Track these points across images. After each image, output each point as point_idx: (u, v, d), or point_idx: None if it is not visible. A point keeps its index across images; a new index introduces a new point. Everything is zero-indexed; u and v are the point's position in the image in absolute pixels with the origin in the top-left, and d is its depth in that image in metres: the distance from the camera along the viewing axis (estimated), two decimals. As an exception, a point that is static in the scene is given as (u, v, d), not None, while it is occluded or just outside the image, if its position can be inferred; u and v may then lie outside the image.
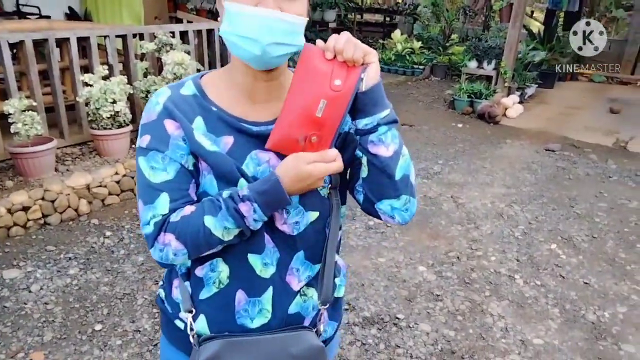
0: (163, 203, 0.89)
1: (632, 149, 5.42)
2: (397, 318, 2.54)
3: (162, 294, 1.08)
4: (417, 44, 9.48)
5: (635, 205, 4.02)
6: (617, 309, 2.70)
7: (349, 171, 0.99)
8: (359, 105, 0.86)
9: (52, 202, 3.26)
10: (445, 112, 6.71)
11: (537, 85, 7.83)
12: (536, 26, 10.82)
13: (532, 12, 12.40)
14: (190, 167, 0.90)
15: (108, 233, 3.23)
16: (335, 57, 0.83)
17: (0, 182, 3.34)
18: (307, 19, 0.86)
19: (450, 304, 2.68)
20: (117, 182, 3.62)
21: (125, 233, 3.24)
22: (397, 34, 9.93)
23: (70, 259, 2.92)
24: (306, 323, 1.02)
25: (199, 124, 0.90)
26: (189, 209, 0.88)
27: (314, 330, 1.01)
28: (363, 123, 0.87)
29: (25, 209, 3.14)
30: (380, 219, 0.97)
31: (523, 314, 2.63)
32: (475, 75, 7.40)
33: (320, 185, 0.88)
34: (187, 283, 1.00)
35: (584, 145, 5.52)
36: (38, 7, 5.73)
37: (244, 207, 0.84)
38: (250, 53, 0.83)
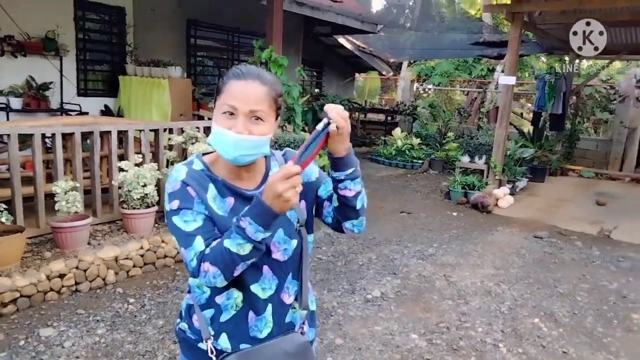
0: (199, 243, 1.21)
1: (615, 237, 5.81)
2: (390, 378, 2.81)
3: (185, 326, 1.38)
4: (416, 141, 10.27)
5: (615, 286, 4.34)
6: (592, 376, 2.96)
7: (313, 209, 1.40)
8: (335, 164, 1.26)
9: (85, 271, 3.66)
10: (441, 202, 7.22)
11: (528, 179, 8.39)
12: (527, 125, 11.70)
13: (522, 113, 13.40)
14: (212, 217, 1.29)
15: (131, 300, 3.59)
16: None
17: (40, 253, 3.79)
18: (272, 134, 1.26)
19: (438, 366, 2.96)
20: (142, 256, 4.04)
21: (147, 300, 3.60)
22: (397, 132, 10.77)
23: (98, 321, 3.27)
24: (296, 329, 1.39)
25: (211, 189, 1.26)
26: (215, 242, 1.20)
27: (300, 332, 1.39)
28: (336, 175, 1.27)
29: (61, 276, 3.54)
30: (344, 232, 1.39)
31: (505, 377, 2.89)
32: (469, 169, 8.02)
33: (294, 201, 1.11)
34: (207, 311, 1.32)
35: (570, 233, 5.92)
36: (79, 105, 6.55)
37: (242, 223, 1.14)
38: (226, 158, 1.24)
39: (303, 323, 1.42)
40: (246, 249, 1.16)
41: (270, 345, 1.32)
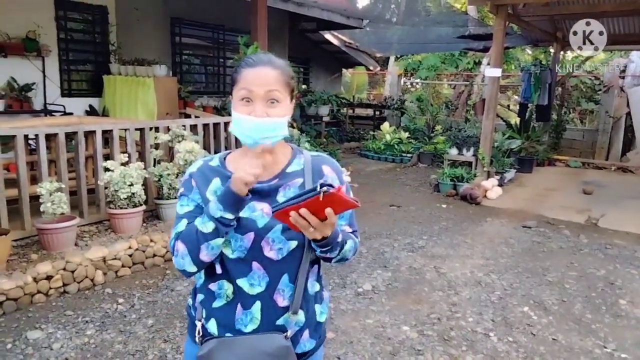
0: (182, 224, 1.32)
1: (602, 225, 5.87)
2: (382, 369, 2.82)
3: (190, 302, 1.47)
4: (405, 135, 10.30)
5: (602, 273, 4.39)
6: (582, 361, 2.99)
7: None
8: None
9: (72, 272, 3.62)
10: (430, 195, 7.24)
11: (516, 170, 8.45)
12: (514, 117, 11.78)
13: (509, 105, 13.48)
14: (204, 206, 1.33)
15: (121, 300, 3.55)
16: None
17: (26, 255, 3.73)
18: (289, 115, 1.31)
19: (430, 357, 2.96)
20: (130, 256, 4.00)
21: (136, 300, 3.57)
22: (386, 126, 10.79)
23: (87, 322, 3.23)
24: (288, 334, 1.34)
25: (216, 182, 1.33)
26: None
27: (284, 335, 1.33)
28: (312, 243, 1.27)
29: (49, 278, 3.50)
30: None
31: (496, 365, 2.91)
32: (457, 162, 8.06)
33: (248, 179, 1.18)
34: (200, 295, 1.39)
35: (558, 222, 5.97)
36: (63, 106, 6.46)
37: (211, 201, 1.26)
38: (248, 143, 1.28)
39: (300, 330, 1.38)
40: (209, 226, 1.23)
41: (250, 339, 1.33)
